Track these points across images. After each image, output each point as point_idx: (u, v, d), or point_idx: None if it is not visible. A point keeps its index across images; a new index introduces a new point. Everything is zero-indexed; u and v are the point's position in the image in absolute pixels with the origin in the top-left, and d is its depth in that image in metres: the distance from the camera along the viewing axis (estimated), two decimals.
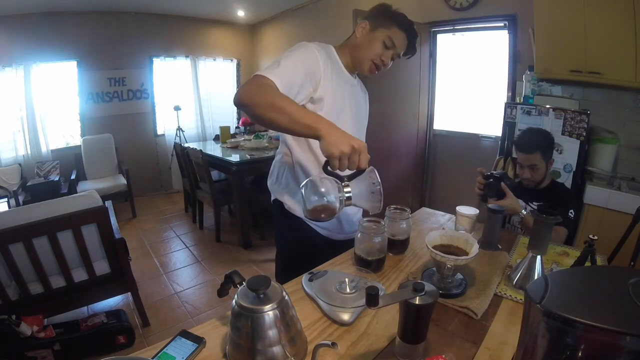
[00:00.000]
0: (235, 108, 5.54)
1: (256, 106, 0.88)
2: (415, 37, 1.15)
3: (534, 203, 1.51)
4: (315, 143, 1.12)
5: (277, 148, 1.41)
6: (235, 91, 0.92)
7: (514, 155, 1.74)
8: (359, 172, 0.85)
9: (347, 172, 0.87)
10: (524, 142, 1.53)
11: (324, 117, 0.86)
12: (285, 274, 1.00)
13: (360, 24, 1.15)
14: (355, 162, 0.81)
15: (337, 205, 0.85)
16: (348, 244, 1.15)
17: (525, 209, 1.34)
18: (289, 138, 1.16)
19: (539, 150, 1.46)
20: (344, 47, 1.19)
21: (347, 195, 0.85)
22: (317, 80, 1.05)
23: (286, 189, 1.20)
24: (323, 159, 1.12)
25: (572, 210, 1.44)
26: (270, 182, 1.29)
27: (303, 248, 1.21)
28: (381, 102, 2.88)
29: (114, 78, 4.31)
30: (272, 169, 1.29)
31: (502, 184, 1.28)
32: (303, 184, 0.89)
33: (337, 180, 0.86)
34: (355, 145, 0.79)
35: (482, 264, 1.00)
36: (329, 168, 0.84)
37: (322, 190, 0.86)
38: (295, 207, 1.19)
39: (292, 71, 0.98)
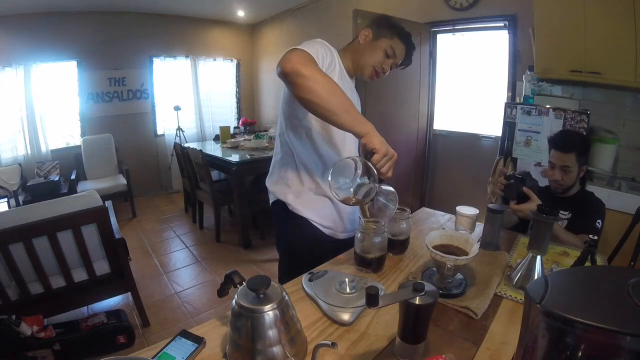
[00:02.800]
0: (235, 108, 5.55)
1: (315, 82, 0.87)
2: (413, 49, 1.22)
3: (560, 213, 1.41)
4: (319, 143, 1.15)
5: None
6: (279, 61, 0.89)
7: (515, 154, 1.71)
8: (381, 180, 0.90)
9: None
10: (560, 140, 1.46)
11: None
12: (290, 276, 0.99)
13: (363, 32, 1.19)
14: (390, 167, 0.89)
15: (368, 196, 0.90)
16: (350, 242, 1.15)
17: None
18: (292, 138, 1.17)
19: (575, 151, 1.39)
20: (346, 52, 1.21)
21: (377, 197, 0.91)
22: (332, 75, 1.08)
23: (290, 189, 1.20)
24: (328, 161, 1.15)
25: (599, 220, 1.36)
26: (270, 183, 1.27)
27: (308, 247, 1.20)
28: (381, 102, 2.88)
29: (114, 78, 4.31)
30: (271, 169, 1.28)
31: (525, 187, 1.23)
32: (347, 158, 0.93)
33: (375, 174, 0.89)
34: (395, 154, 0.89)
35: (482, 264, 1.00)
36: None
37: (369, 177, 0.90)
38: (300, 207, 1.19)
39: (322, 57, 1.04)
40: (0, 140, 3.70)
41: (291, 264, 1.25)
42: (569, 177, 1.41)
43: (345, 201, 0.92)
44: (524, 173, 1.28)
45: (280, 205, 1.22)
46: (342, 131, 1.19)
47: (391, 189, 0.98)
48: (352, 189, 0.91)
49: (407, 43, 1.19)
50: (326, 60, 1.05)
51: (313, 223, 1.20)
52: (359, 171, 0.91)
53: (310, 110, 0.93)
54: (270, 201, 1.29)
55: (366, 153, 0.88)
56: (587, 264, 0.93)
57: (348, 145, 1.22)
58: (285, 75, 0.88)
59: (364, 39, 1.19)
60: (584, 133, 2.13)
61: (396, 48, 1.17)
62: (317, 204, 1.20)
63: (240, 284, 0.71)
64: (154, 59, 4.60)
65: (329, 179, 0.90)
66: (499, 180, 1.28)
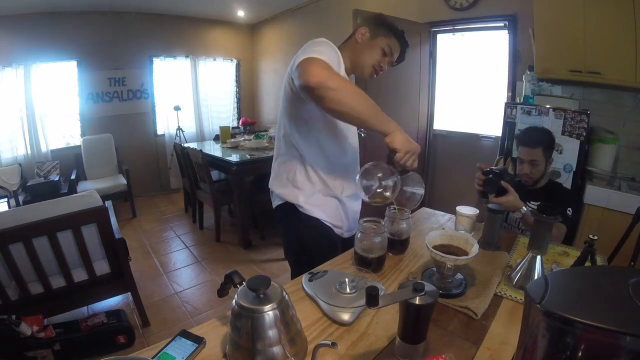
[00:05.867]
0: (235, 108, 5.54)
1: (343, 93, 0.89)
2: (407, 47, 1.25)
3: (531, 202, 1.50)
4: (325, 143, 1.17)
5: None
6: (300, 72, 0.90)
7: (516, 153, 1.74)
8: (407, 171, 0.98)
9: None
10: (527, 136, 1.56)
11: None
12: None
13: (360, 30, 1.19)
14: (413, 161, 0.96)
15: (394, 193, 0.99)
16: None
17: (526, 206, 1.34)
18: (299, 139, 1.16)
19: (541, 146, 1.48)
20: (344, 50, 1.20)
21: (403, 189, 1.00)
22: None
23: (301, 191, 1.19)
24: (333, 161, 1.20)
25: (570, 208, 1.45)
26: (276, 185, 1.24)
27: (322, 247, 1.21)
28: (381, 102, 2.86)
29: (114, 78, 4.31)
30: (276, 172, 1.25)
31: (503, 181, 1.27)
32: (371, 164, 1.00)
33: (397, 172, 0.99)
34: (417, 147, 0.95)
35: (482, 264, 1.00)
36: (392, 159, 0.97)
37: (381, 175, 0.99)
38: (311, 207, 1.19)
39: (337, 62, 1.05)
40: (0, 140, 3.70)
41: (304, 266, 1.24)
42: (538, 170, 1.51)
43: (372, 201, 1.00)
44: (501, 168, 1.34)
45: (290, 207, 1.20)
46: (345, 130, 1.20)
47: (416, 175, 1.05)
48: (377, 190, 1.00)
49: (401, 41, 1.21)
50: (334, 62, 1.04)
51: (325, 223, 1.21)
52: (381, 174, 0.99)
53: (338, 118, 0.98)
54: (276, 204, 1.26)
55: (390, 150, 0.96)
56: (587, 264, 0.93)
57: (350, 144, 1.24)
58: (312, 90, 0.88)
59: (361, 38, 1.18)
60: (584, 133, 2.14)
61: (393, 46, 1.19)
62: (326, 204, 1.21)
63: (240, 284, 0.72)
64: (154, 59, 4.59)
65: (357, 180, 1.00)
66: (477, 175, 1.32)
